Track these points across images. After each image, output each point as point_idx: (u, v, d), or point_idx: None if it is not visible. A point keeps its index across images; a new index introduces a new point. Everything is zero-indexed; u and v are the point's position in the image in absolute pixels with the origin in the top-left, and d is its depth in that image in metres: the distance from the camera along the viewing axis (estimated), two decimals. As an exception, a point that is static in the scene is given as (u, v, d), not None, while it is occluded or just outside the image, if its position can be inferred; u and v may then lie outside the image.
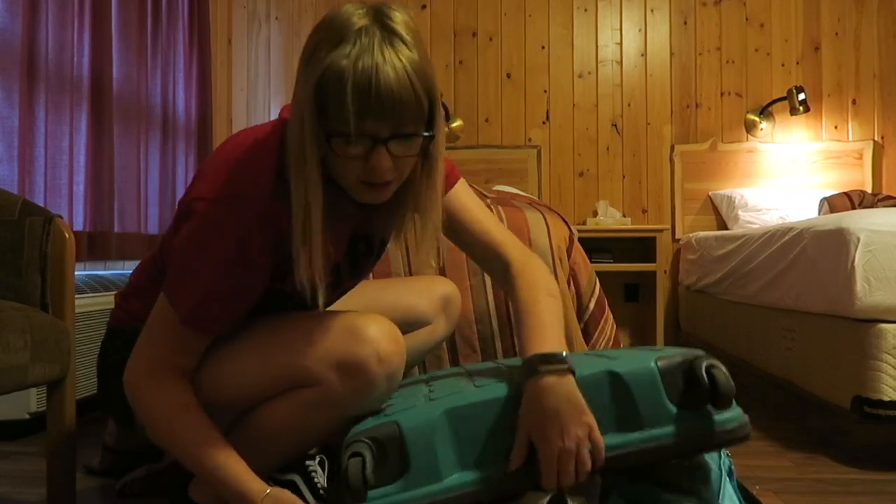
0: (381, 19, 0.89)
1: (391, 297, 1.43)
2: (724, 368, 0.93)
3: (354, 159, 0.91)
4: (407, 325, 1.40)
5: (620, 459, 0.91)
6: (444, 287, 1.50)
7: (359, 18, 0.88)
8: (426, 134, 0.94)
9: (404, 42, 0.88)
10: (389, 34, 0.88)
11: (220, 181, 0.97)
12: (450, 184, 1.17)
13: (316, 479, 1.19)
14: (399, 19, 0.90)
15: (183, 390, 1.00)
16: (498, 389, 0.95)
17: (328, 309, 1.23)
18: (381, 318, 1.05)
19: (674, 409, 0.92)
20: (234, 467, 0.96)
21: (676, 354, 0.96)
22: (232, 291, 0.99)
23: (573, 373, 0.91)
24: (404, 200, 1.04)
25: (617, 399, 0.93)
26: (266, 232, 0.98)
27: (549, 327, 0.98)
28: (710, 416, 0.93)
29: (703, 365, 0.93)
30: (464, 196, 1.17)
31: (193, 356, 1.02)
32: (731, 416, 0.94)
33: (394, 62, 0.86)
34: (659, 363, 0.94)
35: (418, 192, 1.02)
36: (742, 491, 1.09)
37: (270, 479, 1.14)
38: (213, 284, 0.97)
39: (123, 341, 1.13)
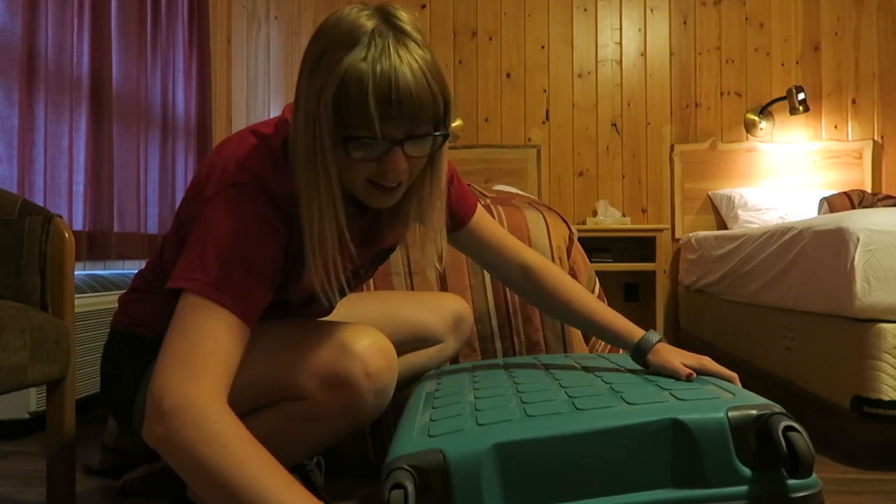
0: (389, 20, 0.87)
1: (405, 312, 1.43)
2: (803, 432, 0.84)
3: (367, 162, 0.89)
4: (418, 341, 1.41)
5: None
6: (456, 305, 1.50)
7: (367, 20, 0.86)
8: (440, 134, 0.92)
9: (416, 42, 0.87)
10: (401, 35, 0.87)
11: (236, 171, 0.93)
12: (471, 211, 1.19)
13: (314, 479, 1.19)
14: (406, 19, 0.89)
15: (238, 423, 0.81)
16: (550, 425, 0.88)
17: (324, 319, 1.22)
18: (372, 332, 1.02)
19: (742, 469, 0.85)
20: None
21: (750, 405, 0.88)
22: (261, 262, 0.91)
23: None
24: (407, 206, 1.02)
25: (679, 451, 0.86)
26: (283, 223, 0.95)
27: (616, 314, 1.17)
28: (782, 480, 0.84)
29: (781, 426, 0.84)
30: (484, 220, 1.21)
31: (233, 362, 0.86)
32: (808, 482, 0.84)
33: (410, 63, 0.85)
34: (731, 415, 0.86)
35: (420, 196, 1.00)
36: None
37: None
38: (246, 251, 0.88)
39: (121, 345, 1.13)
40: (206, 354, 0.82)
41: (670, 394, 0.95)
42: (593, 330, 1.18)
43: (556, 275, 1.19)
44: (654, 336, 1.09)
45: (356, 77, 0.84)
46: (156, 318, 1.10)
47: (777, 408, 0.88)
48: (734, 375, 1.04)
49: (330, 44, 0.87)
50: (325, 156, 0.88)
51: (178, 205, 2.78)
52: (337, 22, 0.88)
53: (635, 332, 1.11)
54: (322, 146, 0.87)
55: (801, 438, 0.83)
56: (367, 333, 1.02)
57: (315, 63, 0.88)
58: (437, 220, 1.03)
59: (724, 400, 0.91)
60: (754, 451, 0.85)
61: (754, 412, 0.86)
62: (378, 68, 0.84)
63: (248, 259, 0.88)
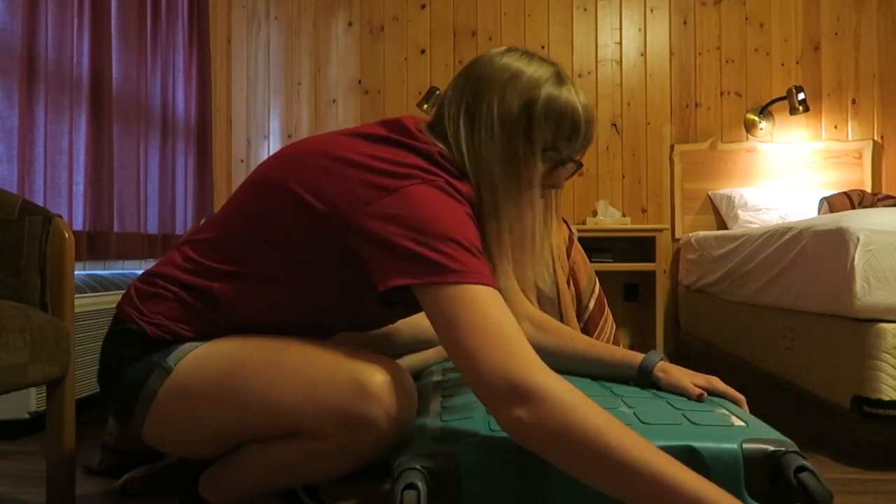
0: (554, 64, 1.06)
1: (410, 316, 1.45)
2: (818, 473, 0.83)
3: (540, 174, 1.03)
4: (420, 343, 1.44)
5: None
6: None
7: (539, 61, 1.04)
8: (578, 162, 1.08)
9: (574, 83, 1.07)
10: (568, 78, 1.06)
11: (417, 173, 0.96)
12: None
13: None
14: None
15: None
16: None
17: (335, 343, 1.19)
18: (387, 365, 0.98)
19: None
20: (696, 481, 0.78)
21: (765, 440, 0.87)
22: (479, 244, 0.97)
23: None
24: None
25: None
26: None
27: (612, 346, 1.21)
28: None
29: (794, 466, 0.83)
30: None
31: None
32: None
33: (587, 101, 1.06)
34: (745, 447, 0.85)
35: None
36: None
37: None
38: (470, 237, 0.94)
39: (127, 337, 1.06)
40: (511, 335, 0.85)
41: (683, 415, 0.94)
42: (595, 365, 1.18)
43: (555, 323, 1.25)
44: (657, 355, 1.11)
45: (570, 105, 1.02)
46: (173, 321, 1.04)
47: (791, 445, 0.87)
48: (742, 398, 1.06)
49: (520, 72, 1.02)
50: (534, 162, 1.01)
51: (178, 205, 2.78)
52: (510, 60, 1.04)
53: (635, 356, 1.14)
54: (530, 153, 1.01)
55: (813, 478, 0.82)
56: (381, 368, 0.96)
57: (509, 83, 1.02)
58: (548, 243, 1.14)
59: (737, 429, 0.90)
60: (765, 487, 0.84)
61: (769, 447, 0.86)
62: (582, 99, 1.04)
63: (474, 242, 0.94)
